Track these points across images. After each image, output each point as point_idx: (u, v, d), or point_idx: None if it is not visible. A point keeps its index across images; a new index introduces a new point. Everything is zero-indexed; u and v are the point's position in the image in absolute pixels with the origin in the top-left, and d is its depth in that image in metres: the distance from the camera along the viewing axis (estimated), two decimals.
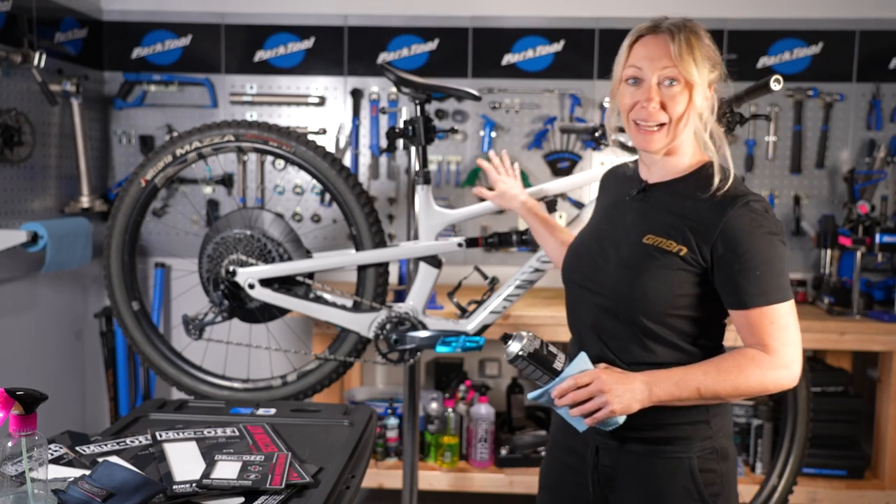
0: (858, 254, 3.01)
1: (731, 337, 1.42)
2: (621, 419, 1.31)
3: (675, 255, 1.33)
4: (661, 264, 1.34)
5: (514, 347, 1.33)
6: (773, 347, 1.30)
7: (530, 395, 1.37)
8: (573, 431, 1.48)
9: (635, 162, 1.52)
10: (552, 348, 1.34)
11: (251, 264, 2.24)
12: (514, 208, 1.98)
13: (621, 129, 1.47)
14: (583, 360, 1.33)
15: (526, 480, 2.95)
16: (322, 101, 3.42)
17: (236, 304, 2.28)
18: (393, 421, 3.06)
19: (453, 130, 2.41)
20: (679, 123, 1.35)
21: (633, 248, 1.38)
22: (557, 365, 1.34)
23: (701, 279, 1.34)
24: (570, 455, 1.52)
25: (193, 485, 1.30)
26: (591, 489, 1.47)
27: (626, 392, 1.29)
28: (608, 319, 1.40)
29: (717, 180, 1.35)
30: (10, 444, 1.17)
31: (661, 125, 1.36)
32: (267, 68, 3.43)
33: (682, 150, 1.40)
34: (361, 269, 2.29)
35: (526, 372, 1.35)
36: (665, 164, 1.41)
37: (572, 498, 1.53)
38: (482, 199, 2.16)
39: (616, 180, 1.56)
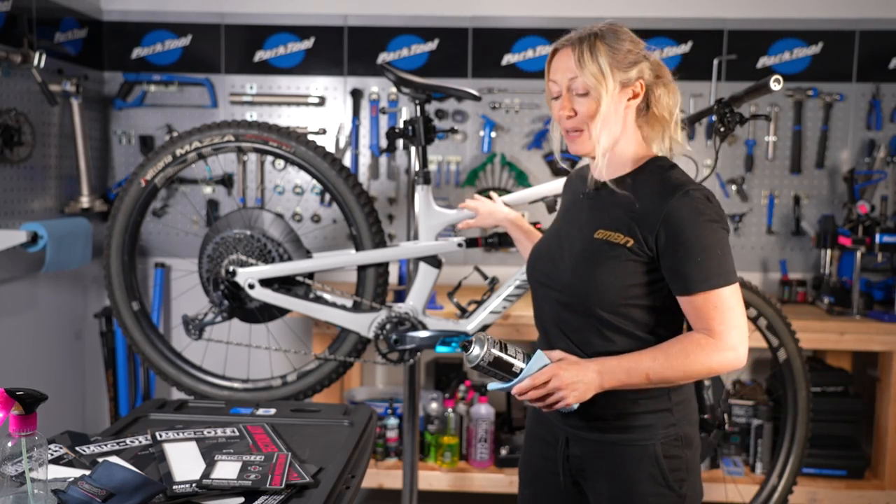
0: (858, 254, 3.01)
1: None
2: (575, 405, 1.38)
3: (622, 247, 1.39)
4: (611, 256, 1.40)
5: (475, 354, 1.36)
6: (719, 331, 1.35)
7: (491, 387, 1.42)
8: (545, 422, 1.56)
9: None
10: (510, 350, 1.39)
11: (251, 264, 2.24)
12: (499, 222, 2.05)
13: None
14: (539, 357, 1.38)
15: None
16: (322, 102, 3.42)
17: (236, 304, 2.28)
18: (393, 421, 3.06)
19: (453, 130, 2.41)
20: (593, 126, 1.41)
21: (586, 244, 1.45)
22: (517, 367, 1.38)
23: (649, 268, 1.40)
24: (545, 446, 1.57)
25: (193, 485, 1.30)
26: (562, 479, 1.53)
27: (581, 384, 1.35)
28: (568, 314, 1.46)
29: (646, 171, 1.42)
30: (10, 444, 1.17)
31: (580, 130, 1.43)
32: (267, 68, 3.43)
33: (621, 147, 1.45)
34: (361, 269, 2.29)
35: (489, 375, 1.39)
36: (609, 163, 1.45)
37: (548, 488, 1.57)
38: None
39: (576, 182, 1.62)
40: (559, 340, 1.48)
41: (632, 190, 1.42)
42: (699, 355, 1.35)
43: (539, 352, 1.39)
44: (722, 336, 1.35)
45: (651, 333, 1.43)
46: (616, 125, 1.43)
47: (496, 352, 1.37)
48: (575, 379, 1.35)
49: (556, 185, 2.22)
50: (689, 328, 1.43)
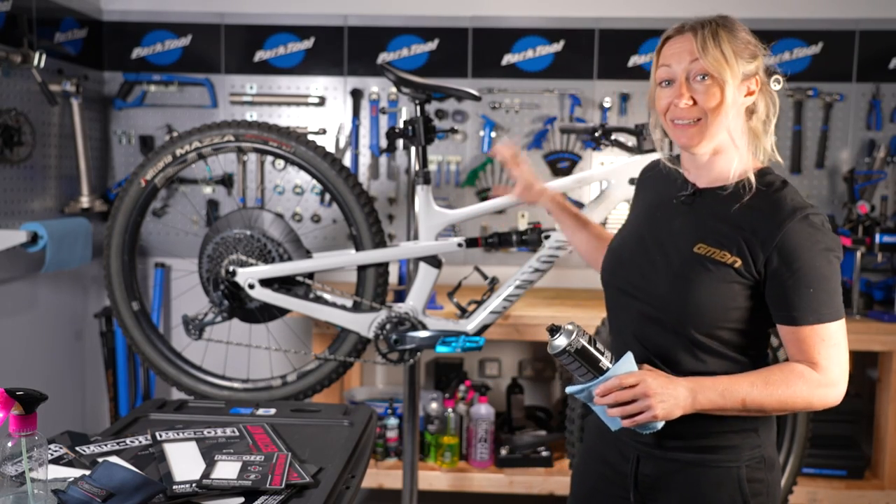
0: (858, 254, 3.00)
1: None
2: (660, 424, 1.29)
3: (729, 267, 1.30)
4: (715, 276, 1.30)
5: (562, 342, 1.27)
6: (822, 365, 1.29)
7: (569, 389, 1.33)
8: (610, 441, 1.46)
9: (673, 160, 1.48)
10: (599, 345, 1.29)
11: (251, 264, 2.24)
12: (540, 202, 1.90)
13: (666, 134, 1.41)
14: (629, 360, 1.29)
15: (526, 480, 2.95)
16: (322, 102, 3.42)
17: (236, 304, 2.28)
18: (393, 421, 3.06)
19: (453, 130, 2.41)
20: (715, 117, 1.30)
21: (684, 258, 1.34)
22: (603, 363, 1.28)
23: (753, 292, 1.31)
24: (605, 465, 1.49)
25: (193, 485, 1.30)
26: (632, 499, 1.44)
27: (670, 397, 1.26)
28: (653, 328, 1.37)
29: (752, 183, 1.31)
30: (10, 444, 1.17)
31: (697, 120, 1.32)
32: (267, 68, 3.43)
33: (730, 153, 1.35)
34: (361, 269, 2.29)
35: (570, 367, 1.30)
36: (713, 168, 1.36)
37: None
38: (492, 197, 2.14)
39: (656, 180, 1.51)
40: (638, 352, 1.36)
41: (740, 204, 1.31)
42: (801, 388, 1.28)
43: (629, 354, 1.30)
44: (825, 370, 1.28)
45: (744, 355, 1.35)
46: (734, 122, 1.32)
47: (584, 342, 1.27)
48: (664, 390, 1.25)
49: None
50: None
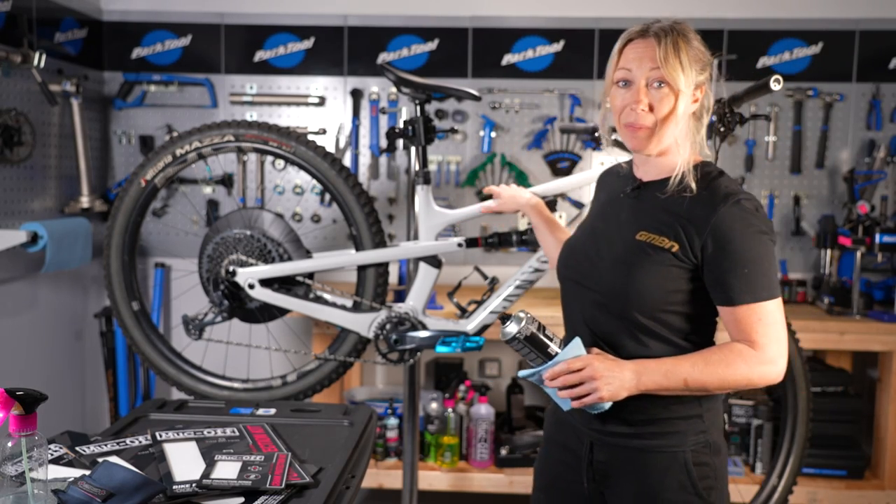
0: (858, 254, 3.01)
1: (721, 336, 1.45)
2: (608, 405, 1.36)
3: (667, 252, 1.36)
4: (654, 260, 1.37)
5: (512, 329, 1.34)
6: (760, 343, 1.33)
7: (521, 373, 1.40)
8: (567, 428, 1.53)
9: (630, 161, 1.55)
10: (548, 332, 1.36)
11: (251, 264, 2.24)
12: (521, 207, 2.01)
13: (615, 129, 1.49)
14: (577, 344, 1.36)
15: (526, 480, 2.95)
16: (322, 102, 3.42)
17: (236, 304, 2.28)
18: (393, 421, 3.06)
19: (453, 130, 2.41)
20: (666, 125, 1.37)
21: (627, 245, 1.41)
22: (552, 349, 1.36)
23: (692, 275, 1.37)
24: (565, 452, 1.54)
25: (193, 485, 1.30)
26: (585, 485, 1.49)
27: (616, 379, 1.32)
28: (602, 315, 1.43)
29: (692, 178, 1.38)
30: (10, 444, 1.17)
31: (645, 126, 1.38)
32: (267, 68, 3.43)
33: (674, 150, 1.41)
34: (361, 269, 2.29)
35: (521, 353, 1.37)
36: (658, 164, 1.43)
37: (568, 495, 1.54)
38: (488, 197, 2.15)
39: (612, 179, 1.59)
40: (588, 340, 1.44)
41: (679, 193, 1.39)
42: (740, 366, 1.33)
43: (577, 339, 1.37)
44: (763, 348, 1.33)
45: (686, 340, 1.40)
46: (682, 126, 1.39)
47: (533, 329, 1.34)
48: (610, 373, 1.32)
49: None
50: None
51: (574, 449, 1.52)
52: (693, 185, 1.37)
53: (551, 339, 1.36)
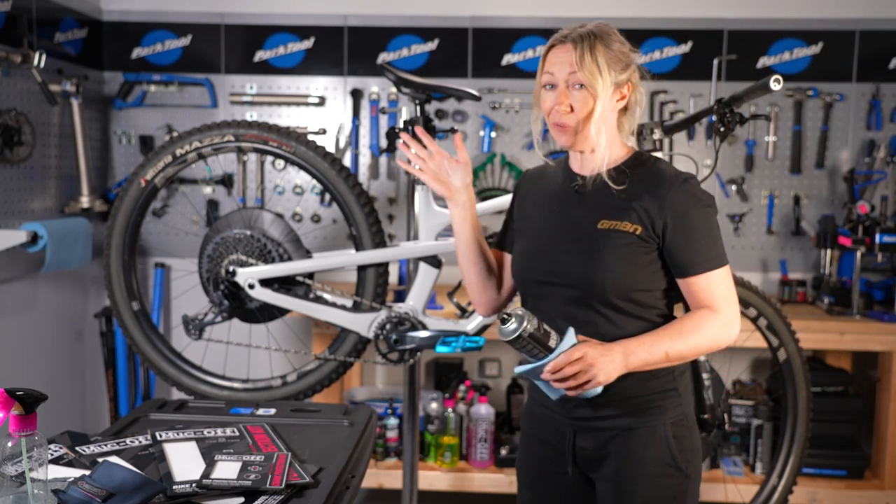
0: (858, 254, 3.01)
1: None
2: (600, 389, 1.40)
3: (632, 235, 1.45)
4: (620, 244, 1.45)
5: (514, 328, 1.36)
6: (719, 307, 1.45)
7: (518, 370, 1.42)
8: (546, 422, 1.58)
9: (556, 161, 1.63)
10: (546, 326, 1.39)
11: (251, 264, 2.24)
12: (455, 190, 1.63)
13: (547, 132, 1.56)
14: (571, 335, 1.39)
15: None
16: (322, 101, 3.42)
17: (236, 304, 2.28)
18: (393, 421, 3.06)
19: (453, 130, 2.41)
20: (587, 122, 1.45)
21: (591, 235, 1.47)
22: (552, 342, 1.38)
23: (657, 254, 1.47)
24: (544, 446, 1.59)
25: (193, 485, 1.30)
26: (570, 473, 1.55)
27: (608, 363, 1.38)
28: (575, 308, 1.48)
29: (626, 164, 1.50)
30: (10, 444, 1.17)
31: (568, 126, 1.46)
32: (267, 68, 3.43)
33: (605, 146, 1.48)
34: (361, 269, 2.29)
35: (521, 350, 1.39)
36: (594, 159, 1.49)
37: (553, 486, 1.58)
38: (488, 197, 2.16)
39: (538, 181, 1.63)
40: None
41: (626, 181, 1.47)
42: (709, 330, 1.43)
43: (571, 329, 1.40)
44: (722, 311, 1.45)
45: (657, 315, 1.49)
46: (609, 123, 1.48)
47: (535, 325, 1.37)
48: (603, 357, 1.37)
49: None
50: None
51: (553, 441, 1.57)
52: (605, 177, 1.47)
53: (549, 333, 1.39)
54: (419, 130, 1.67)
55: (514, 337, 1.36)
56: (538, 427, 1.61)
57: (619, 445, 1.49)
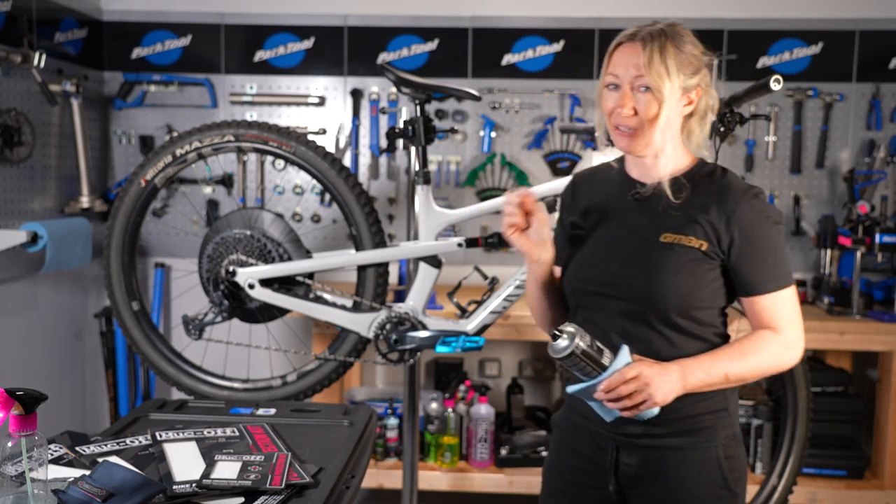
0: (858, 254, 3.01)
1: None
2: (657, 409, 1.34)
3: (697, 250, 1.38)
4: (684, 260, 1.38)
5: (565, 345, 1.29)
6: (783, 328, 1.40)
7: (570, 389, 1.36)
8: (583, 433, 1.50)
9: (617, 162, 1.54)
10: (599, 343, 1.33)
11: (251, 264, 2.24)
12: (545, 261, 1.52)
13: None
14: (626, 353, 1.33)
15: (526, 480, 2.95)
16: (322, 102, 3.42)
17: (236, 304, 2.28)
18: (393, 421, 3.06)
19: (453, 130, 2.41)
20: (651, 127, 1.38)
21: (652, 248, 1.41)
22: (605, 360, 1.32)
23: (720, 270, 1.41)
24: (579, 458, 1.52)
25: (193, 485, 1.30)
26: (611, 489, 1.48)
27: (665, 383, 1.32)
28: (630, 322, 1.42)
29: (716, 176, 1.43)
30: (10, 444, 1.17)
31: (633, 129, 1.40)
32: (267, 68, 3.43)
33: (669, 153, 1.42)
34: (361, 269, 2.29)
35: (572, 368, 1.33)
36: (656, 166, 1.44)
37: (583, 500, 1.52)
38: (488, 197, 2.15)
39: (591, 185, 1.57)
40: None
41: (691, 192, 1.41)
42: (771, 352, 1.39)
43: (625, 347, 1.33)
44: (786, 333, 1.40)
45: (714, 333, 1.44)
46: (671, 127, 1.41)
47: (587, 342, 1.30)
48: (660, 377, 1.31)
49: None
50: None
51: (588, 454, 1.50)
52: (668, 189, 1.40)
53: (602, 351, 1.32)
54: (529, 199, 1.44)
55: (565, 355, 1.29)
56: (574, 437, 1.54)
57: (670, 466, 1.42)
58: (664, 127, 1.38)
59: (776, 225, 1.39)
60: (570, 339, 1.29)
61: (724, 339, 1.46)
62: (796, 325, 1.41)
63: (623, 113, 1.39)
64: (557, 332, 1.31)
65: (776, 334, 1.39)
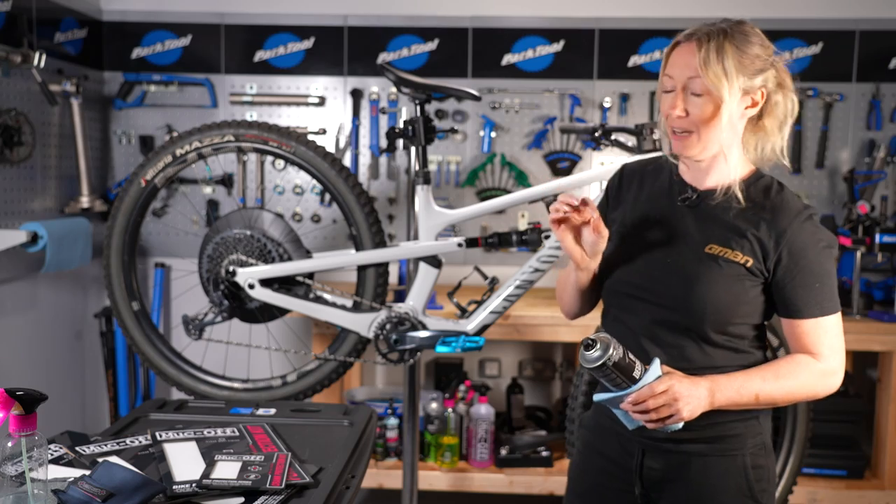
0: (858, 254, 3.01)
1: None
2: (681, 424, 1.32)
3: (741, 266, 1.35)
4: (727, 274, 1.35)
5: (598, 355, 1.25)
6: (824, 354, 1.36)
7: (598, 397, 1.34)
8: (610, 436, 1.49)
9: (662, 160, 1.50)
10: (631, 355, 1.29)
11: (251, 264, 2.24)
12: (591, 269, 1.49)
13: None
14: (657, 366, 1.30)
15: (526, 480, 2.95)
16: (322, 101, 3.42)
17: (236, 304, 2.28)
18: (393, 421, 3.06)
19: (453, 130, 2.41)
20: (707, 130, 1.33)
21: (696, 258, 1.37)
22: (636, 373, 1.29)
23: (762, 288, 1.37)
24: (605, 460, 1.51)
25: (193, 485, 1.30)
26: (637, 492, 1.46)
27: (694, 399, 1.29)
28: (664, 330, 1.40)
29: (772, 191, 1.39)
30: (10, 444, 1.17)
31: (688, 132, 1.35)
32: (267, 68, 3.43)
33: (728, 158, 1.38)
34: (361, 269, 2.29)
35: (604, 379, 1.29)
36: (715, 170, 1.40)
37: (607, 502, 1.51)
38: (488, 197, 2.14)
39: (639, 180, 1.51)
40: (651, 353, 1.39)
41: (745, 205, 1.37)
42: (807, 378, 1.35)
43: (657, 360, 1.31)
44: (827, 360, 1.36)
45: (751, 348, 1.41)
46: (731, 133, 1.36)
47: (620, 354, 1.27)
48: (689, 393, 1.28)
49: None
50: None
51: (615, 457, 1.49)
52: (740, 196, 1.36)
53: (635, 363, 1.29)
54: (587, 210, 1.37)
55: (596, 366, 1.26)
56: (601, 439, 1.52)
57: (695, 472, 1.40)
58: (722, 132, 1.33)
59: (827, 249, 1.34)
60: (603, 350, 1.25)
61: (761, 351, 1.43)
62: (837, 354, 1.36)
63: (674, 115, 1.34)
64: (591, 342, 1.26)
65: (815, 360, 1.35)
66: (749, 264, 1.34)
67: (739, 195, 1.37)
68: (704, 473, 1.40)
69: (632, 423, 1.34)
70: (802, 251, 1.33)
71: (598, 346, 1.26)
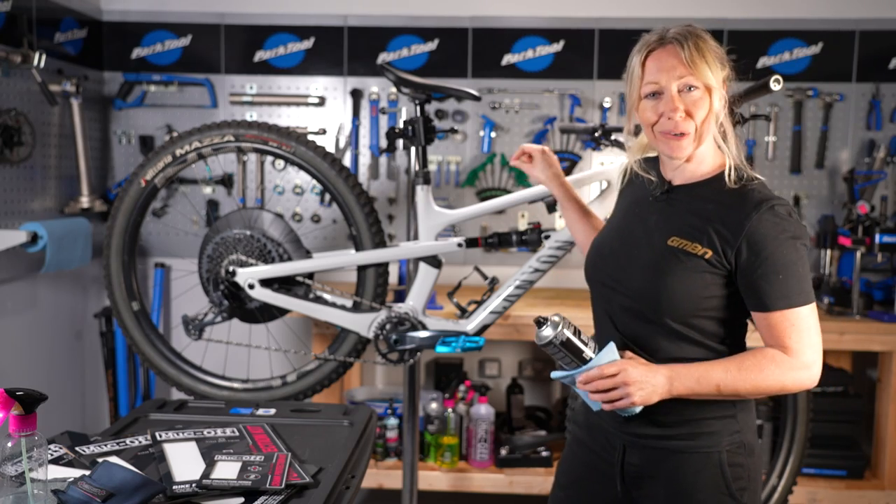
0: (858, 254, 3.01)
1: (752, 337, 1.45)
2: (638, 408, 1.36)
3: (700, 258, 1.36)
4: (686, 266, 1.36)
5: (548, 333, 1.34)
6: (794, 349, 1.33)
7: (554, 375, 1.40)
8: (597, 431, 1.53)
9: (643, 163, 1.55)
10: (583, 336, 1.36)
11: (251, 264, 2.24)
12: (553, 180, 1.87)
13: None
14: (611, 349, 1.35)
15: (526, 480, 2.95)
16: (322, 102, 3.42)
17: (236, 304, 2.28)
18: (393, 421, 3.06)
19: (453, 130, 2.41)
20: (704, 127, 1.38)
21: (658, 250, 1.40)
22: (586, 353, 1.35)
23: (726, 281, 1.37)
24: (591, 455, 1.55)
25: (193, 485, 1.30)
26: (618, 488, 1.49)
27: (648, 385, 1.32)
28: (633, 319, 1.43)
29: (731, 179, 1.38)
30: (9, 444, 1.17)
31: (684, 133, 1.38)
32: (267, 68, 3.43)
33: (703, 153, 1.41)
34: (361, 269, 2.29)
35: (555, 356, 1.36)
36: (688, 168, 1.43)
37: (591, 496, 1.54)
38: (488, 197, 2.15)
39: (637, 178, 1.56)
40: (620, 344, 1.43)
41: (710, 199, 1.38)
42: (773, 371, 1.33)
43: (612, 344, 1.36)
44: (797, 354, 1.33)
45: (721, 343, 1.41)
46: (724, 123, 1.40)
47: (569, 334, 1.34)
48: (643, 378, 1.32)
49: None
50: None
51: (600, 452, 1.52)
52: (731, 185, 1.37)
53: (586, 344, 1.36)
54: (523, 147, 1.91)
55: (545, 343, 1.34)
56: (587, 434, 1.57)
57: (672, 468, 1.42)
58: (713, 123, 1.38)
59: (792, 240, 1.31)
60: (553, 328, 1.33)
61: (735, 350, 1.42)
62: (809, 346, 1.33)
63: (676, 117, 1.36)
64: (543, 320, 1.35)
65: (784, 354, 1.33)
66: (708, 256, 1.35)
67: (708, 189, 1.39)
68: (681, 470, 1.41)
69: (594, 404, 1.39)
70: (762, 242, 1.31)
71: (548, 324, 1.34)
